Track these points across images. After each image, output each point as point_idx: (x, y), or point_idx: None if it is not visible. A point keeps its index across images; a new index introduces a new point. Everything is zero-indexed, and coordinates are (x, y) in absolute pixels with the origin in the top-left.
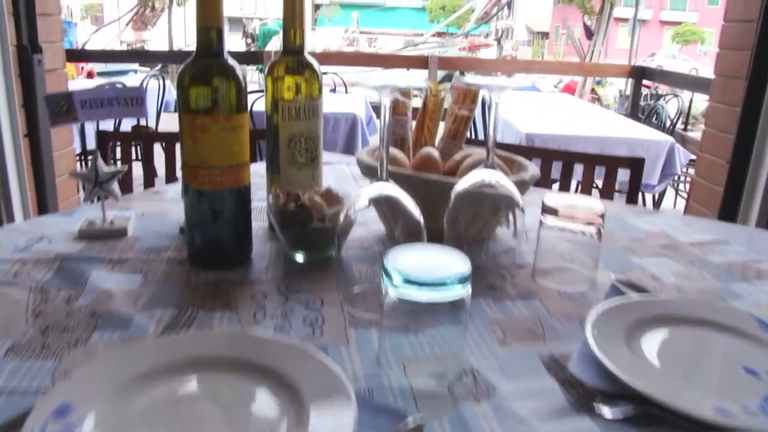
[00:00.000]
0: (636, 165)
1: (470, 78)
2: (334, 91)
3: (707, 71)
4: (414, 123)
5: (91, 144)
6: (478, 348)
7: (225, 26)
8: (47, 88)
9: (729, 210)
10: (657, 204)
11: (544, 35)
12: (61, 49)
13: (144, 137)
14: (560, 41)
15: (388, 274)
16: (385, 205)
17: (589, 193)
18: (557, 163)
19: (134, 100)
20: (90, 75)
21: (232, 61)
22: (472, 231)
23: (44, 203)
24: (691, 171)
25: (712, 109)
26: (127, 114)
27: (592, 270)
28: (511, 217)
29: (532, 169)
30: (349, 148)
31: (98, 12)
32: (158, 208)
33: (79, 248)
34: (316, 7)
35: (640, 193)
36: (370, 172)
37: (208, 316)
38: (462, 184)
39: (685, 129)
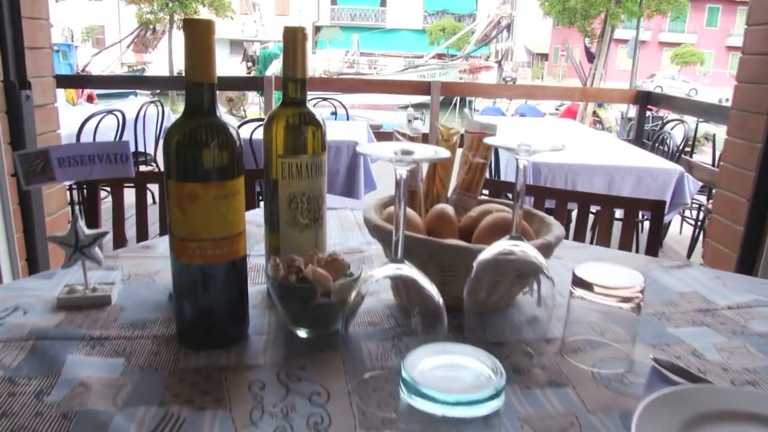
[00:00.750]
0: (657, 208)
1: (494, 140)
2: (334, 113)
3: (706, 92)
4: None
5: None
6: None
7: (226, 50)
8: (36, 124)
9: (750, 250)
10: (663, 233)
11: (544, 56)
12: (51, 83)
13: (136, 179)
14: (560, 62)
15: (407, 385)
16: (402, 288)
17: (608, 238)
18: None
19: (118, 156)
20: (90, 98)
21: (225, 120)
22: (492, 299)
23: (33, 244)
24: (698, 197)
25: (729, 144)
26: (110, 173)
27: (628, 346)
28: (534, 284)
29: (557, 229)
30: (351, 177)
31: (99, 34)
32: (147, 269)
33: (57, 321)
34: (317, 29)
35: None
36: (379, 233)
37: (198, 417)
38: (485, 254)
39: (690, 155)
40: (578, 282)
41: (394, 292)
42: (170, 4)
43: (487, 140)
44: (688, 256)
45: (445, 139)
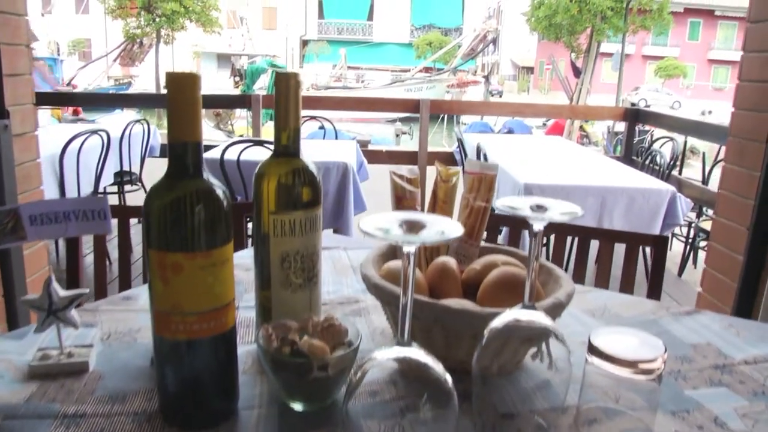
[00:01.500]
0: (660, 243)
1: (505, 201)
2: (322, 127)
3: (689, 104)
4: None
5: (71, 191)
6: None
7: (213, 63)
8: (15, 154)
9: (751, 280)
10: None
11: (529, 70)
12: (31, 111)
13: (118, 212)
14: (545, 75)
15: None
16: (407, 371)
17: (608, 273)
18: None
19: (96, 213)
20: (76, 112)
21: (212, 181)
22: (499, 363)
23: (10, 278)
24: (689, 213)
25: (727, 171)
26: (87, 230)
27: (647, 415)
28: (547, 348)
29: (567, 284)
30: (340, 198)
31: (86, 48)
32: (128, 325)
33: (28, 394)
34: (304, 43)
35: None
36: (378, 293)
37: None
38: (496, 322)
39: (680, 172)
40: (595, 351)
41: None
42: (157, 20)
43: (498, 204)
44: (680, 273)
45: (443, 179)
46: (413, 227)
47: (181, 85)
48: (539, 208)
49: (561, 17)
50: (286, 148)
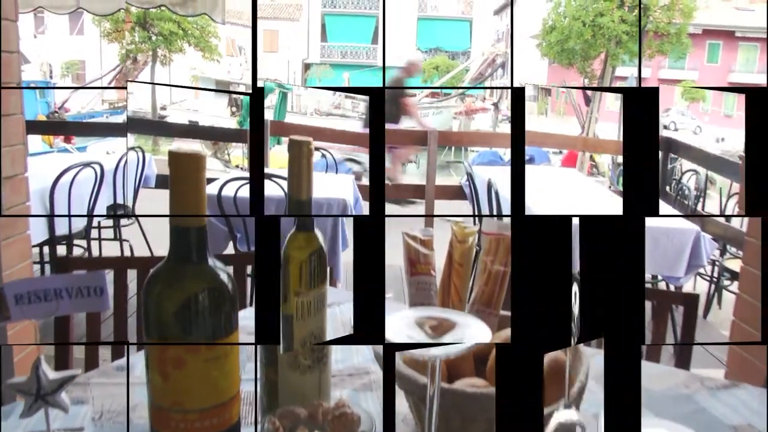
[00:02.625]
0: (690, 302)
1: None
2: (324, 157)
3: (711, 130)
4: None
5: (61, 228)
6: None
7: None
8: (4, 198)
9: None
10: None
11: (548, 91)
12: (21, 152)
13: (114, 264)
14: (561, 98)
15: None
16: None
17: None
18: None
19: (92, 290)
20: (68, 139)
21: (217, 265)
22: None
23: None
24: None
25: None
26: (81, 308)
27: None
28: None
29: (585, 359)
30: (336, 234)
31: (80, 70)
32: (122, 402)
33: None
34: (306, 66)
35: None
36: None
37: None
38: None
39: (703, 206)
40: None
41: None
42: (154, 38)
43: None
44: (705, 315)
45: (459, 240)
46: (438, 329)
47: (185, 166)
48: None
49: (574, 42)
50: (298, 219)
